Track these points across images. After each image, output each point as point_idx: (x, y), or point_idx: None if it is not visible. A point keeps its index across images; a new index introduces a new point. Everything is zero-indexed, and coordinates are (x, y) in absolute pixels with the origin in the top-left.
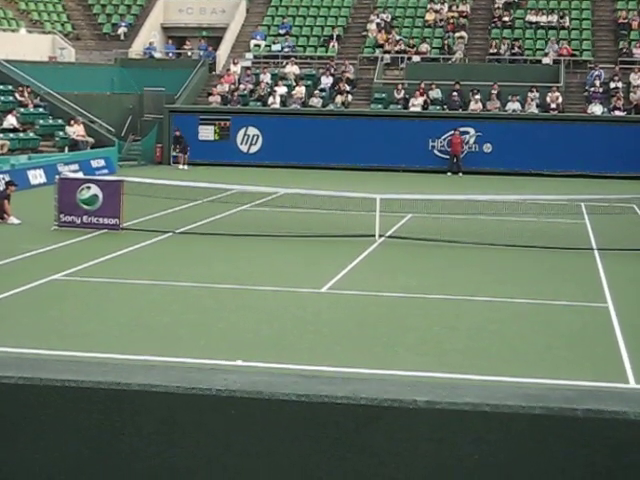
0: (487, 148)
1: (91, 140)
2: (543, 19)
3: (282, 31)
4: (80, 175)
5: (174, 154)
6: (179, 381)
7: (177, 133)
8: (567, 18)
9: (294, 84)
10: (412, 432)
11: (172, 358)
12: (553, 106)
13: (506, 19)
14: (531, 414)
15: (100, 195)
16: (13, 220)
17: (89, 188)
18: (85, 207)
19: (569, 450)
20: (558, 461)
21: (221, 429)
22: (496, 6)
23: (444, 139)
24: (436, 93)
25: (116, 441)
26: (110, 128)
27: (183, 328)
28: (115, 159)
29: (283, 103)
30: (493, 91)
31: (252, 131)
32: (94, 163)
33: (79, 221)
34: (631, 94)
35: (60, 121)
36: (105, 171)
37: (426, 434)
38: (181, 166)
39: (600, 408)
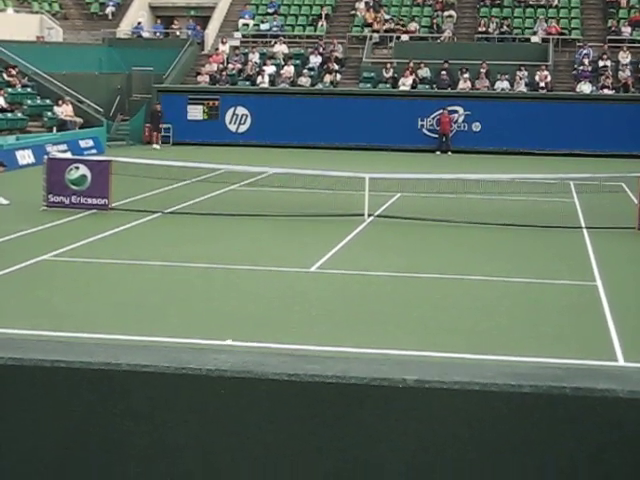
0: (476, 127)
1: (79, 120)
2: None
3: (270, 10)
4: (69, 155)
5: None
6: (169, 361)
7: (157, 107)
8: None
9: (283, 63)
10: (401, 411)
11: (162, 338)
12: (542, 85)
13: None
14: (520, 392)
15: (89, 175)
16: (2, 200)
17: (78, 168)
18: (74, 187)
19: (558, 428)
20: (547, 439)
21: (211, 409)
22: None
23: (433, 118)
24: (425, 72)
25: (106, 421)
26: (98, 108)
27: (173, 308)
28: (103, 139)
29: (272, 82)
30: (482, 70)
31: (241, 110)
32: (82, 143)
33: (68, 201)
34: (620, 72)
35: (48, 101)
36: (94, 151)
37: (415, 413)
38: (155, 145)
39: (589, 386)
